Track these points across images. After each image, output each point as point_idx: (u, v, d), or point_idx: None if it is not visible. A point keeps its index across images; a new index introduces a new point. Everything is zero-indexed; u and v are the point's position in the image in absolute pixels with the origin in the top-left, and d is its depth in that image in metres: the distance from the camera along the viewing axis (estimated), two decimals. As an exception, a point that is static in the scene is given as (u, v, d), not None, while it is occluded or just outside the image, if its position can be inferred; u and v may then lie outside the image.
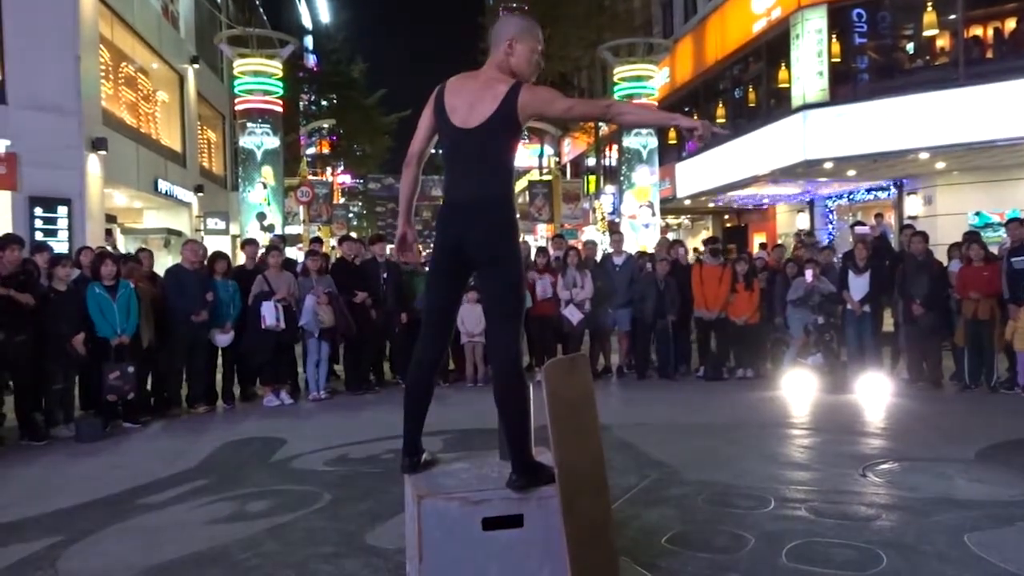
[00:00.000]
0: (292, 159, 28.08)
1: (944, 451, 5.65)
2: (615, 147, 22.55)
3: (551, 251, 10.45)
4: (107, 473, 5.51)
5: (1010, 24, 14.63)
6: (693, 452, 5.69)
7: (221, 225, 20.51)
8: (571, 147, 33.38)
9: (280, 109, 16.12)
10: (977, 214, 14.57)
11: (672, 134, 22.30)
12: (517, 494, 2.96)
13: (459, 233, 3.13)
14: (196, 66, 21.01)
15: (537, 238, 27.94)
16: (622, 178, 17.49)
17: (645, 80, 17.22)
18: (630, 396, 8.62)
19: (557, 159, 33.06)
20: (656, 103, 17.60)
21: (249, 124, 15.68)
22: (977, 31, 14.78)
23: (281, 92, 16.13)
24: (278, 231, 15.28)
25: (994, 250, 8.99)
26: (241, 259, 9.77)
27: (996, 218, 14.06)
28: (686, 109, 22.03)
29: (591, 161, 30.44)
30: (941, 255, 9.51)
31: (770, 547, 3.69)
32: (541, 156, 32.13)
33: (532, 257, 10.17)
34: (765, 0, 16.76)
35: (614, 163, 24.14)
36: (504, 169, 3.17)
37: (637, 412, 7.40)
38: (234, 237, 20.03)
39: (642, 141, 16.92)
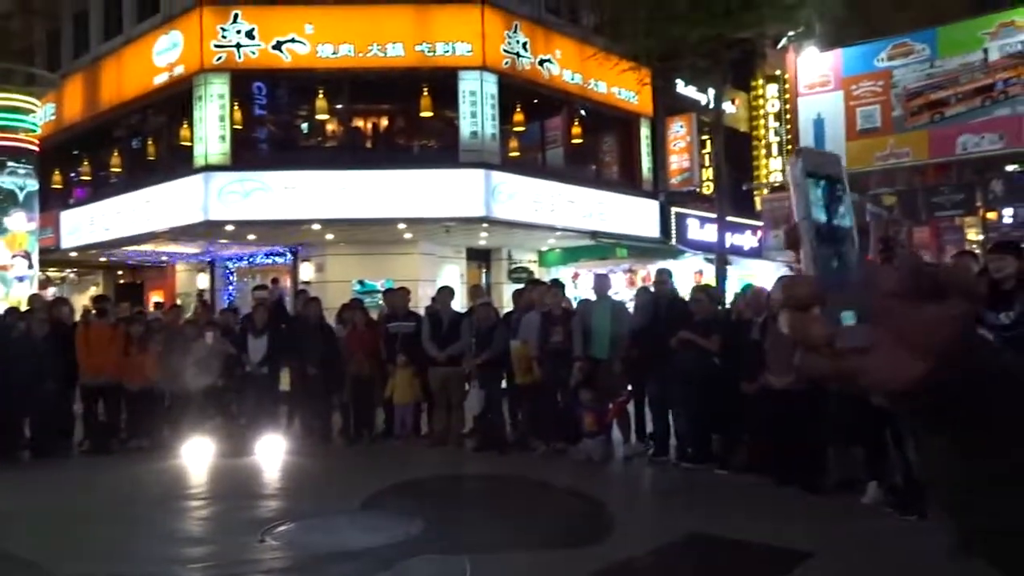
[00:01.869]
0: None
1: (336, 504, 6.01)
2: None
3: None
4: None
5: (384, 122, 17.11)
6: (73, 542, 4.93)
7: None
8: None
9: None
10: (361, 282, 16.40)
11: (57, 177, 19.95)
12: None
13: None
14: None
15: None
16: (-9, 222, 14.84)
17: (25, 113, 15.05)
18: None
19: None
20: (38, 141, 15.51)
21: None
22: (359, 122, 16.90)
23: None
24: None
25: (375, 315, 10.14)
26: None
27: (377, 285, 16.02)
28: (75, 152, 20.01)
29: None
30: (331, 318, 10.32)
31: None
32: None
33: None
34: (168, 55, 16.35)
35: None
36: None
37: (2, 501, 6.13)
38: None
39: (19, 181, 14.66)
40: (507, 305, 12.26)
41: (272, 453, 8.06)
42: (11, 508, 5.83)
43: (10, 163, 14.70)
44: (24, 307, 9.76)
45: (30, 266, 14.68)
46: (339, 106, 16.24)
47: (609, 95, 18.16)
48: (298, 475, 7.29)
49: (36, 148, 15.30)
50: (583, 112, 18.03)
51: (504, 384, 8.21)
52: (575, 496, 6.22)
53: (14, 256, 14.42)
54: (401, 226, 15.64)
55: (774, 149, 18.18)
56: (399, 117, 16.85)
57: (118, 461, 7.98)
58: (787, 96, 17.63)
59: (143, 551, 4.76)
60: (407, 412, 8.93)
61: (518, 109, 16.70)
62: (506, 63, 15.95)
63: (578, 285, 17.21)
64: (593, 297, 8.50)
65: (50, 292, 15.74)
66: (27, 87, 15.49)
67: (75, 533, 5.17)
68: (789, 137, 17.56)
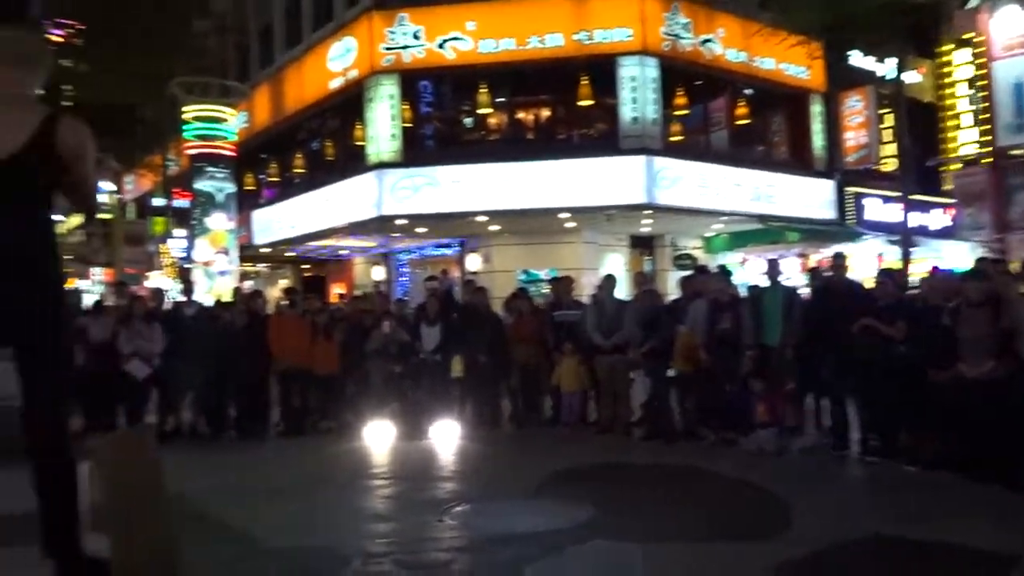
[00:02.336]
0: None
1: (507, 488, 6.20)
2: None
3: (112, 299, 9.32)
4: None
5: (544, 112, 17.28)
6: (275, 515, 5.40)
7: None
8: (135, 185, 30.52)
9: None
10: (526, 271, 16.70)
11: (249, 179, 21.74)
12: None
13: None
14: None
15: (93, 283, 24.87)
16: (194, 222, 16.44)
17: (221, 122, 16.50)
18: (204, 458, 7.94)
19: (119, 196, 29.91)
20: (235, 147, 16.95)
21: None
22: (520, 114, 17.17)
23: None
24: None
25: (540, 303, 10.31)
26: None
27: (541, 274, 16.27)
28: (263, 156, 21.69)
29: (159, 201, 28.14)
30: (498, 307, 10.59)
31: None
32: (98, 192, 28.73)
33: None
34: (342, 60, 17.36)
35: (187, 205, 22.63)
36: (45, 217, 2.71)
37: (212, 476, 6.81)
38: None
39: (217, 185, 16.14)
40: (671, 293, 12.08)
41: (446, 437, 8.41)
42: (221, 483, 6.48)
43: (209, 168, 16.20)
44: (228, 300, 10.77)
45: (230, 262, 16.13)
46: (501, 99, 16.57)
47: (776, 72, 17.35)
48: (471, 459, 7.58)
49: (233, 154, 16.74)
50: (749, 91, 17.36)
51: (672, 372, 8.10)
52: (748, 488, 6.06)
53: (216, 253, 15.91)
54: (563, 215, 15.77)
55: (966, 120, 16.62)
56: (559, 107, 16.95)
57: (309, 442, 8.64)
58: (980, 61, 16.03)
59: (334, 525, 5.14)
60: (574, 400, 9.03)
61: (680, 92, 16.34)
62: (666, 46, 15.63)
63: (746, 271, 16.62)
64: (763, 283, 8.21)
65: (247, 285, 17.15)
66: (222, 99, 16.91)
67: (275, 507, 5.67)
68: (984, 106, 15.99)
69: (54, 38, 20.86)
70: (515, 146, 16.29)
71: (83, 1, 19.99)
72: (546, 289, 12.22)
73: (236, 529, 5.03)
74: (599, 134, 16.29)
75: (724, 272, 8.58)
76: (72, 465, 2.69)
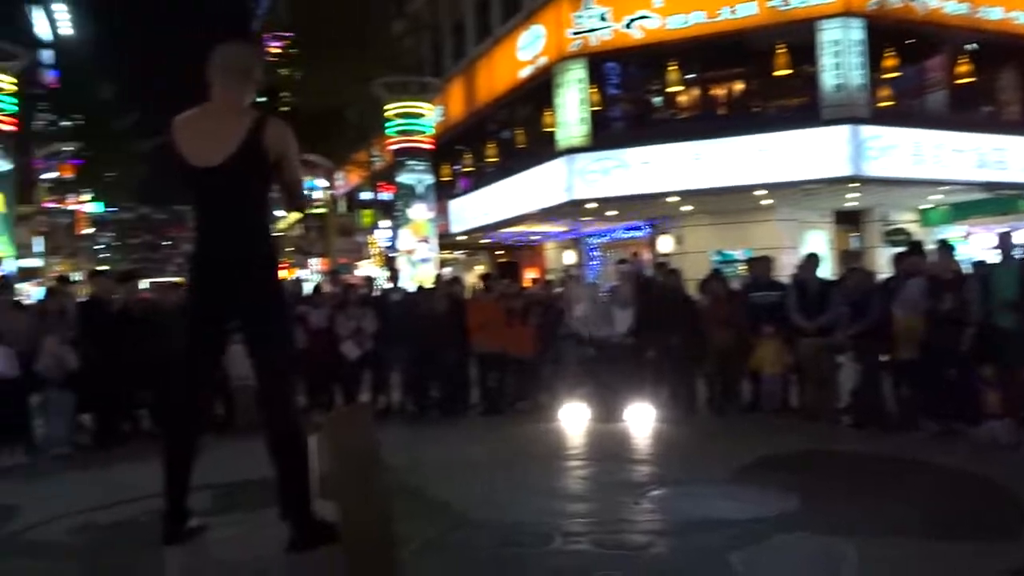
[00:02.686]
0: (26, 185, 25.04)
1: (704, 473, 6.08)
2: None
3: (328, 287, 10.14)
4: None
5: (737, 86, 16.59)
6: (477, 491, 5.64)
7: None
8: (345, 180, 32.88)
9: (13, 128, 14.32)
10: (719, 252, 16.19)
11: (446, 170, 22.73)
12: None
13: (222, 286, 2.89)
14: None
15: (311, 272, 27.16)
16: (397, 213, 17.45)
17: (419, 117, 17.34)
18: (411, 435, 8.46)
19: (332, 191, 32.37)
20: (433, 140, 17.78)
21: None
22: (711, 90, 16.60)
23: (15, 110, 14.32)
24: (7, 266, 13.44)
25: (736, 285, 9.96)
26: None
27: (736, 255, 15.72)
28: (457, 147, 22.56)
29: (366, 194, 30.15)
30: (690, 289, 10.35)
31: (559, 587, 3.70)
32: (313, 189, 31.26)
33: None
34: (531, 48, 17.64)
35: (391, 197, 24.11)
36: (263, 214, 3.01)
37: (420, 452, 7.25)
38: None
39: (417, 177, 16.99)
40: (882, 272, 11.25)
41: (640, 420, 8.37)
42: (427, 459, 6.86)
43: (409, 162, 17.09)
44: (429, 286, 11.35)
45: (430, 250, 16.99)
46: (690, 75, 16.14)
47: (1005, 22, 15.56)
48: (666, 442, 7.49)
49: (431, 147, 17.57)
50: (971, 46, 15.70)
51: (887, 357, 7.54)
52: (977, 484, 5.52)
53: (418, 241, 16.81)
54: (759, 192, 15.11)
55: None
56: (753, 79, 16.23)
57: (506, 421, 8.92)
58: None
59: (533, 503, 5.28)
60: (775, 384, 8.66)
61: (889, 53, 15.10)
62: (872, 4, 14.49)
63: (971, 245, 15.12)
64: (992, 258, 7.42)
65: (446, 272, 18.01)
66: (419, 95, 17.74)
67: (477, 482, 5.92)
68: None
69: (273, 50, 22.90)
70: (707, 123, 15.80)
71: (297, 16, 21.76)
72: (742, 269, 11.78)
73: (442, 502, 5.32)
74: (797, 105, 15.43)
75: (946, 247, 7.85)
76: (302, 438, 2.96)
